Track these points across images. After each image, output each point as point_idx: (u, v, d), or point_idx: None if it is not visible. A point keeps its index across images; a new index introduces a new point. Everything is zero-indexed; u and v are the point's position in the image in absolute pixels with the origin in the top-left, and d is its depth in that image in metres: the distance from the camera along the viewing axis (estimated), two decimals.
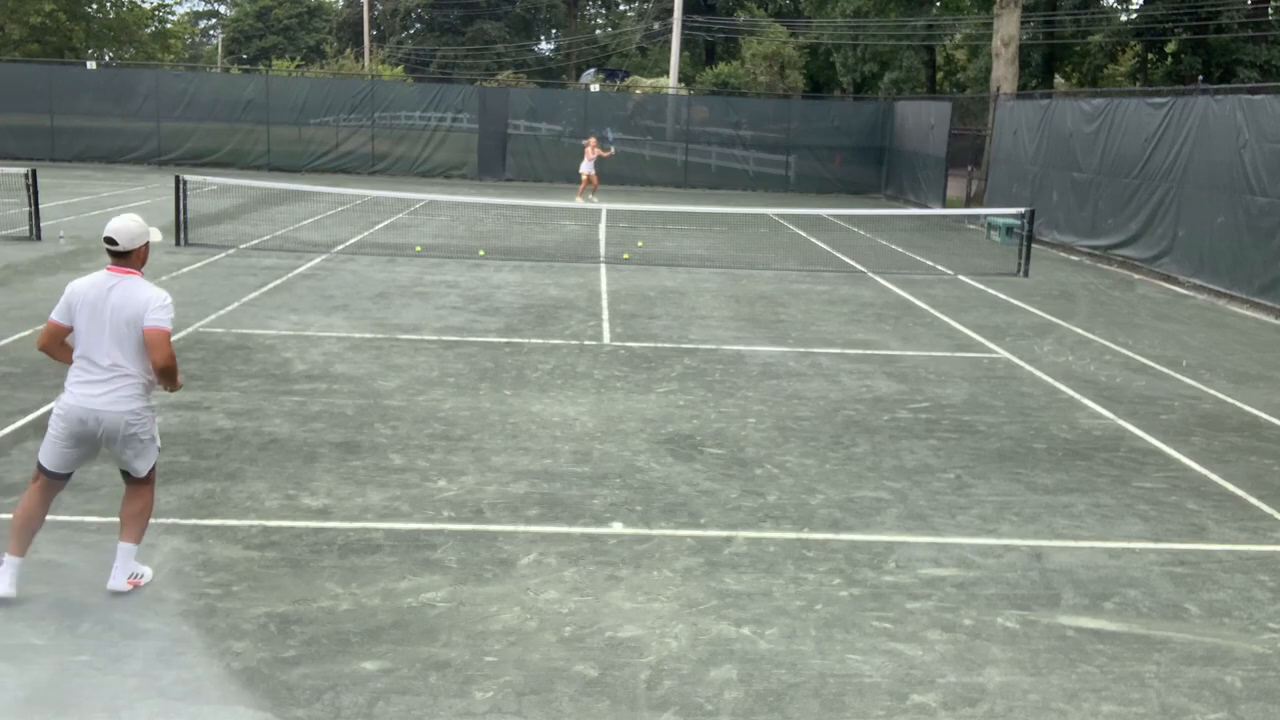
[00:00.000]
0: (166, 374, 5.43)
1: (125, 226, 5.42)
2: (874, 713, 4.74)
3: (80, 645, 5.00)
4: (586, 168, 27.58)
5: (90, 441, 5.44)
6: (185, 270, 15.20)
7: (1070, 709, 4.84)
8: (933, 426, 9.12)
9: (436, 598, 5.63)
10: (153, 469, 5.62)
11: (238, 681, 4.76)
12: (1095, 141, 21.07)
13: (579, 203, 26.13)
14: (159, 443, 5.66)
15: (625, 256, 15.02)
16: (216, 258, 16.44)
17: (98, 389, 5.34)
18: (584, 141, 28.78)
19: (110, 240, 5.41)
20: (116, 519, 6.38)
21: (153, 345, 5.33)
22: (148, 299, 5.35)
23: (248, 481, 7.17)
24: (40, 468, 5.50)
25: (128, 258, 5.43)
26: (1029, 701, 4.89)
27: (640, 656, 5.12)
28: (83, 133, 34.33)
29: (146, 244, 5.50)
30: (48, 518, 6.35)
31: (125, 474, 5.62)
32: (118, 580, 5.54)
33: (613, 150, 30.55)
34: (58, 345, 5.50)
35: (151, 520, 6.41)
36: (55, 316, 5.44)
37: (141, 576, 5.64)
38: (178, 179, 17.78)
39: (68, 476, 5.60)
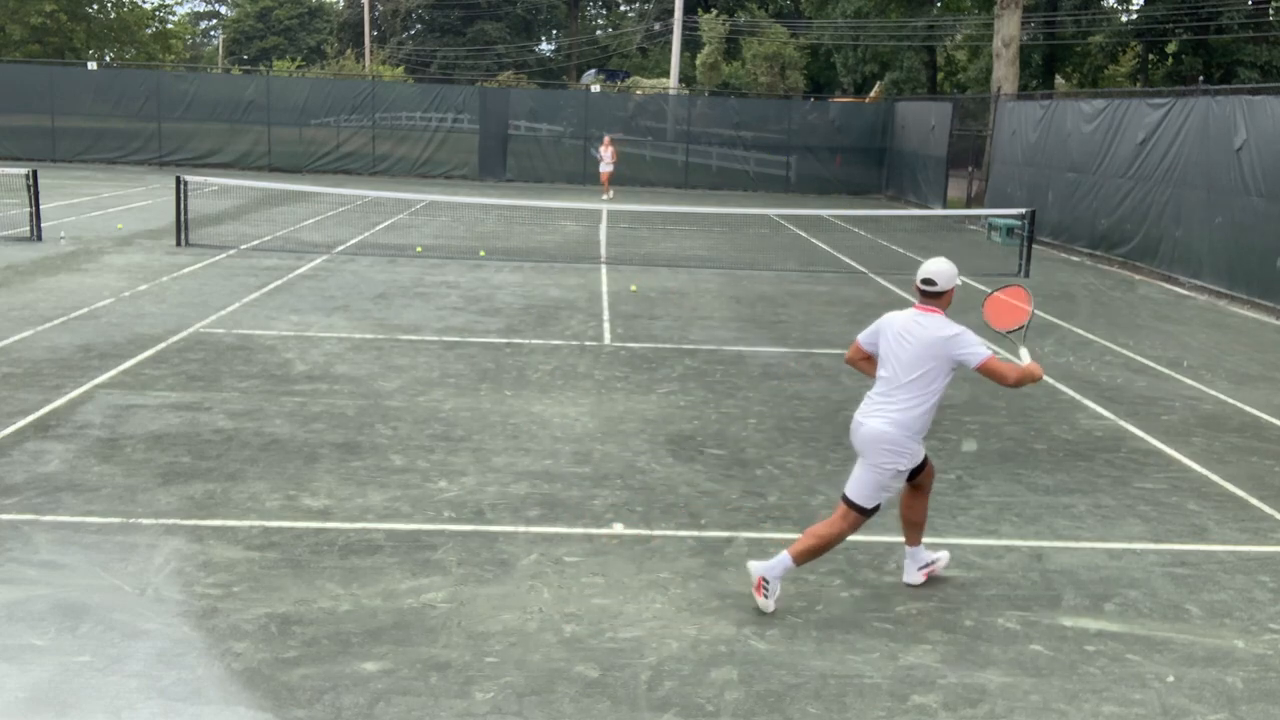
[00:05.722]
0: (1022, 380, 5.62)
1: (943, 269, 5.60)
2: (874, 713, 4.74)
3: (80, 645, 5.00)
4: (605, 166, 29.35)
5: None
6: (186, 271, 15.21)
7: (1071, 710, 4.84)
8: (933, 427, 9.09)
9: (437, 598, 5.63)
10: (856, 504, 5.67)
11: (238, 682, 4.76)
12: (1095, 142, 21.06)
13: (608, 196, 28.03)
14: (889, 488, 5.74)
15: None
16: (217, 258, 16.44)
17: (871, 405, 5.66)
18: (602, 145, 29.70)
19: (928, 281, 5.57)
20: (117, 519, 6.43)
21: (991, 374, 5.53)
22: (951, 336, 5.49)
23: (248, 482, 7.17)
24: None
25: (939, 298, 5.61)
26: (1030, 702, 4.88)
27: (641, 657, 5.12)
28: (84, 133, 34.32)
29: (954, 288, 5.66)
30: (47, 518, 6.40)
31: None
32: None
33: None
34: (862, 360, 5.85)
35: (151, 521, 6.45)
36: (861, 340, 5.77)
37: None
38: (178, 179, 17.77)
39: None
